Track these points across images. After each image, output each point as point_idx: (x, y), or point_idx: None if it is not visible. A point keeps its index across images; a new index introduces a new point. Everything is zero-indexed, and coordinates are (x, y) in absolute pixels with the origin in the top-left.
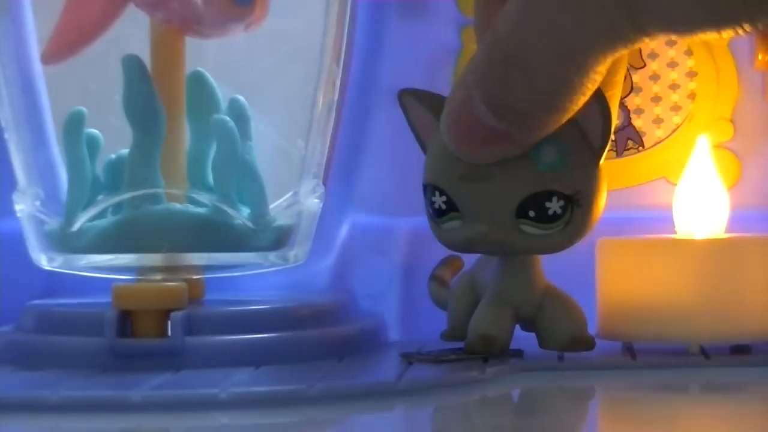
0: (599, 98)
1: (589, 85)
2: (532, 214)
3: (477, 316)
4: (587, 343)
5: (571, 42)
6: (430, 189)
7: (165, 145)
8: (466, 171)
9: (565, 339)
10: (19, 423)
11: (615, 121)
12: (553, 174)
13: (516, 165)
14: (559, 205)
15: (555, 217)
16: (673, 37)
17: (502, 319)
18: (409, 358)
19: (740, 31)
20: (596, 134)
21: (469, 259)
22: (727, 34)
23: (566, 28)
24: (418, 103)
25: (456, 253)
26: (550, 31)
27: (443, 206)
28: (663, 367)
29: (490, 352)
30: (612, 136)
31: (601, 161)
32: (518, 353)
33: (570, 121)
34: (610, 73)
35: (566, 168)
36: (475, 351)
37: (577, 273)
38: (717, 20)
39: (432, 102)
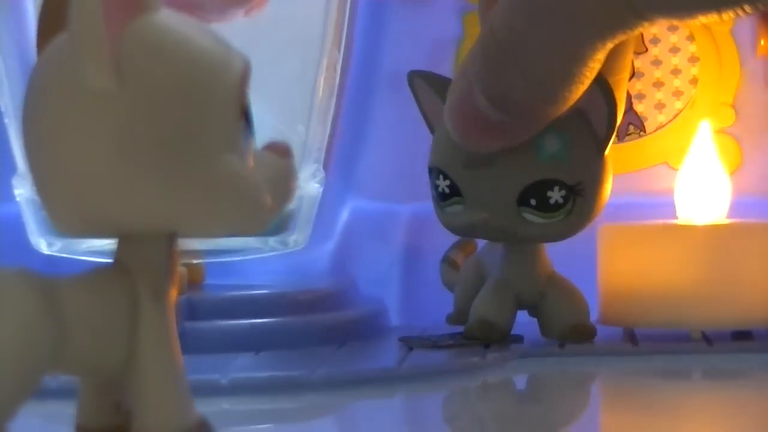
0: (603, 87)
1: (588, 74)
2: (533, 202)
3: (478, 302)
4: (588, 332)
5: (567, 31)
6: (434, 172)
7: None
8: (470, 157)
9: (566, 327)
10: None
11: (622, 108)
12: (555, 163)
13: (519, 153)
14: (561, 195)
15: (556, 206)
16: (674, 21)
17: (503, 305)
18: (407, 343)
19: (741, 13)
20: (601, 124)
21: (482, 243)
22: (728, 16)
23: (562, 16)
24: (427, 86)
25: None
26: (545, 20)
27: (447, 190)
28: (664, 353)
29: (488, 338)
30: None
31: (607, 151)
32: (518, 339)
33: (575, 109)
34: (616, 56)
35: (569, 158)
36: (474, 336)
37: (579, 259)
38: (717, 2)
39: (440, 85)
